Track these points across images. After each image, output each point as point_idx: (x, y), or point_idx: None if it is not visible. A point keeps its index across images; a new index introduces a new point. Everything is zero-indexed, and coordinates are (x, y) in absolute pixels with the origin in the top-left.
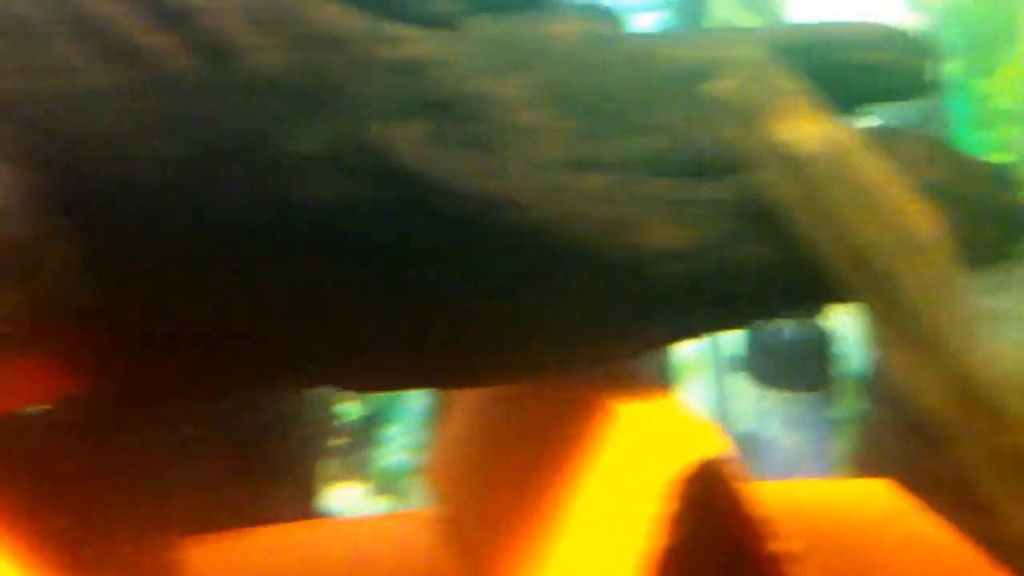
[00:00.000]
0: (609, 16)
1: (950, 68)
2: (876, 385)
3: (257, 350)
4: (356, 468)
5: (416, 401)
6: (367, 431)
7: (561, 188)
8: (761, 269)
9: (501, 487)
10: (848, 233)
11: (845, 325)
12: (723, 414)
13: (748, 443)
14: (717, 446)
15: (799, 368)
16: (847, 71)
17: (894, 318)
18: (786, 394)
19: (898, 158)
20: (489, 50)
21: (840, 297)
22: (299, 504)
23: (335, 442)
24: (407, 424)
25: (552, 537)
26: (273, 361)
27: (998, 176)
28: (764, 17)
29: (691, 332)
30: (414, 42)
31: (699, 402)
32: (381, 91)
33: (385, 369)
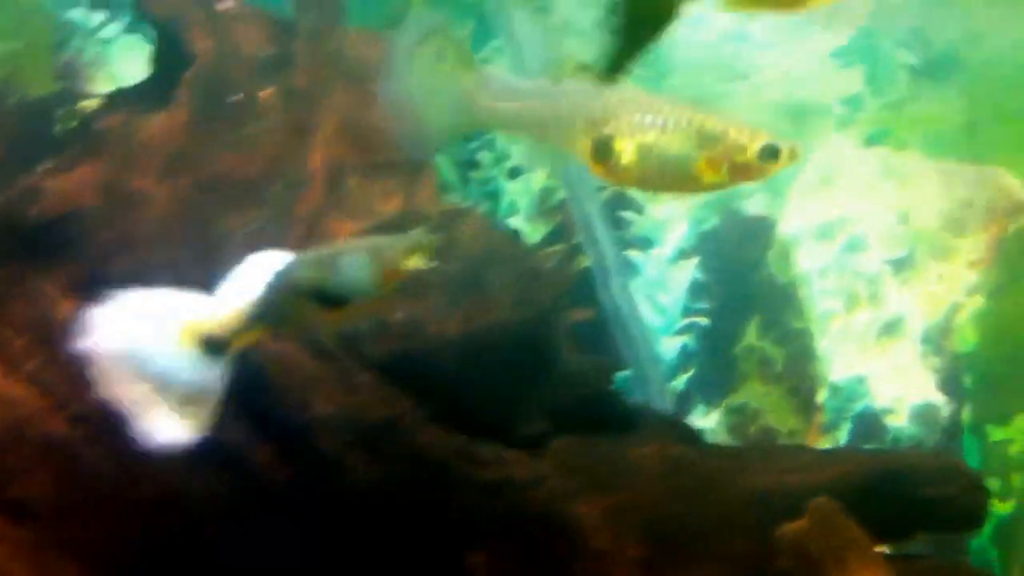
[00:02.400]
0: (690, 434)
1: (967, 412)
2: None
3: None
4: None
5: None
6: None
7: None
8: None
9: None
10: None
11: None
12: None
13: None
14: None
15: None
16: (918, 503)
17: None
18: None
19: None
20: (575, 472)
21: None
22: None
23: None
24: None
25: None
26: None
27: None
28: None
29: None
30: (506, 463)
31: None
32: (473, 510)
33: None
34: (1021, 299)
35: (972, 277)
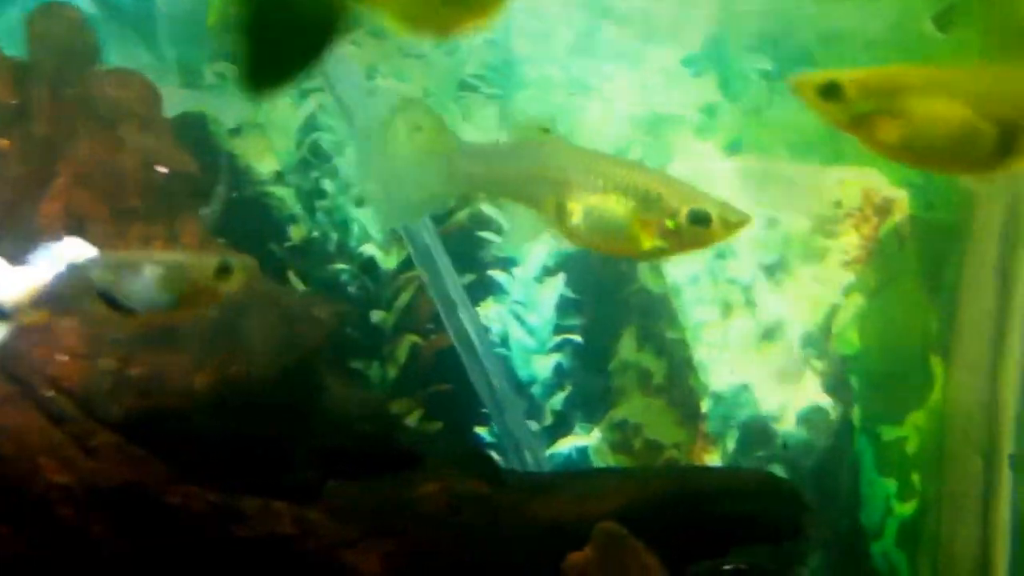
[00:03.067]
0: (488, 467)
1: (856, 413)
2: None
3: None
4: None
5: None
6: None
7: None
8: None
9: None
10: None
11: None
12: None
13: None
14: None
15: None
16: (728, 519)
17: None
18: None
19: None
20: (350, 518)
21: None
22: None
23: None
24: None
25: None
26: None
27: None
28: None
29: None
30: (272, 516)
31: None
32: (236, 569)
33: None
34: (900, 297)
35: (848, 277)
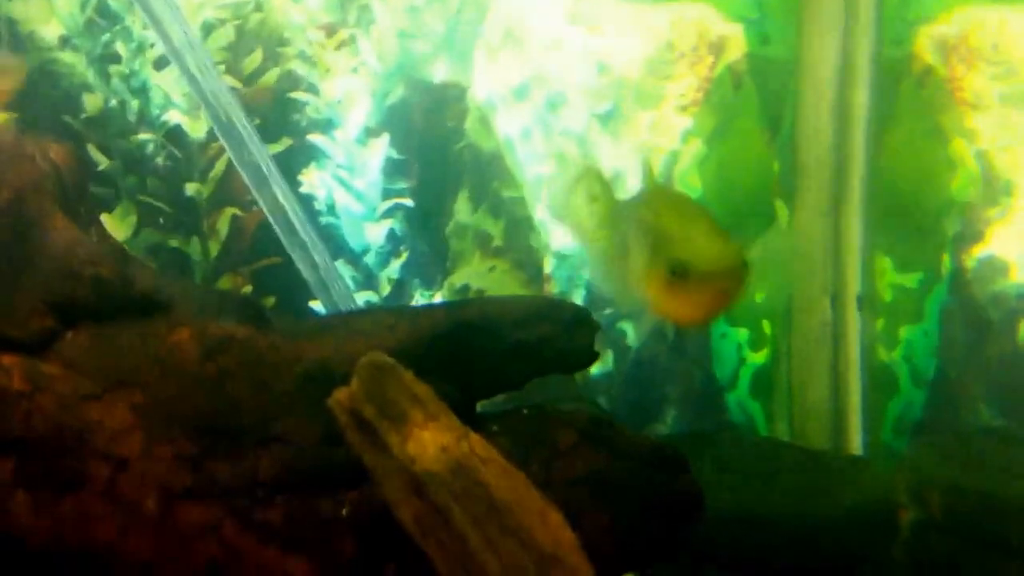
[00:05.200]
0: (247, 307)
1: None
2: None
3: None
4: None
5: None
6: None
7: (154, 528)
8: None
9: None
10: (475, 558)
11: None
12: None
13: None
14: None
15: None
16: (512, 349)
17: None
18: None
19: (547, 447)
20: (92, 371)
21: None
22: None
23: None
24: None
25: None
26: None
27: (661, 455)
28: None
29: None
30: None
31: None
32: None
33: None
34: (739, 140)
35: (685, 122)
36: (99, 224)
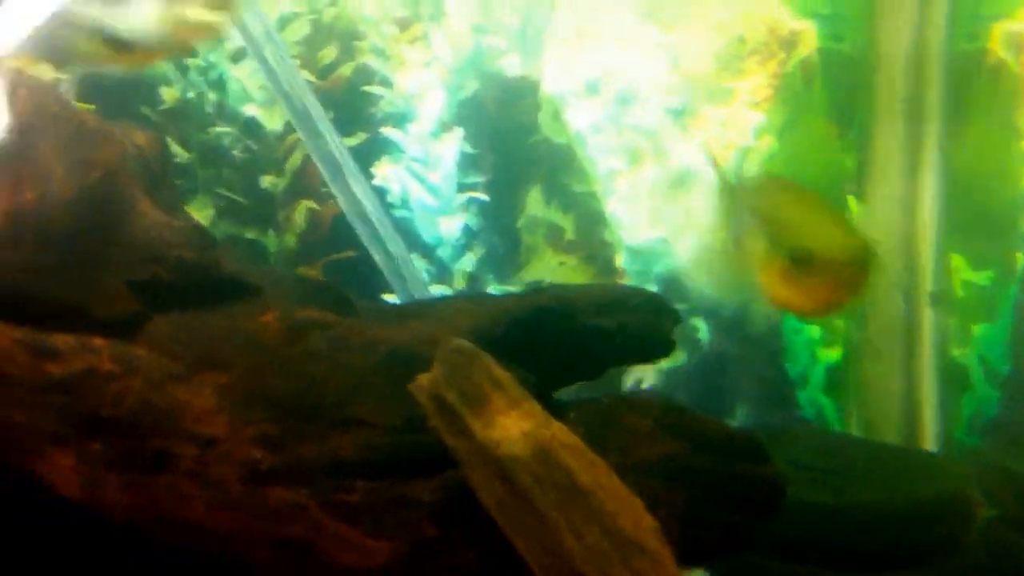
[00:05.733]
0: (333, 295)
1: None
2: None
3: None
4: None
5: None
6: None
7: (240, 506)
8: None
9: None
10: (558, 542)
11: None
12: None
13: None
14: None
15: None
16: (591, 336)
17: None
18: None
19: (625, 434)
20: (178, 353)
21: None
22: None
23: None
24: None
25: None
26: None
27: (740, 445)
28: None
29: None
30: (89, 352)
31: None
32: (48, 410)
33: None
34: (811, 135)
35: (756, 118)
36: (182, 209)
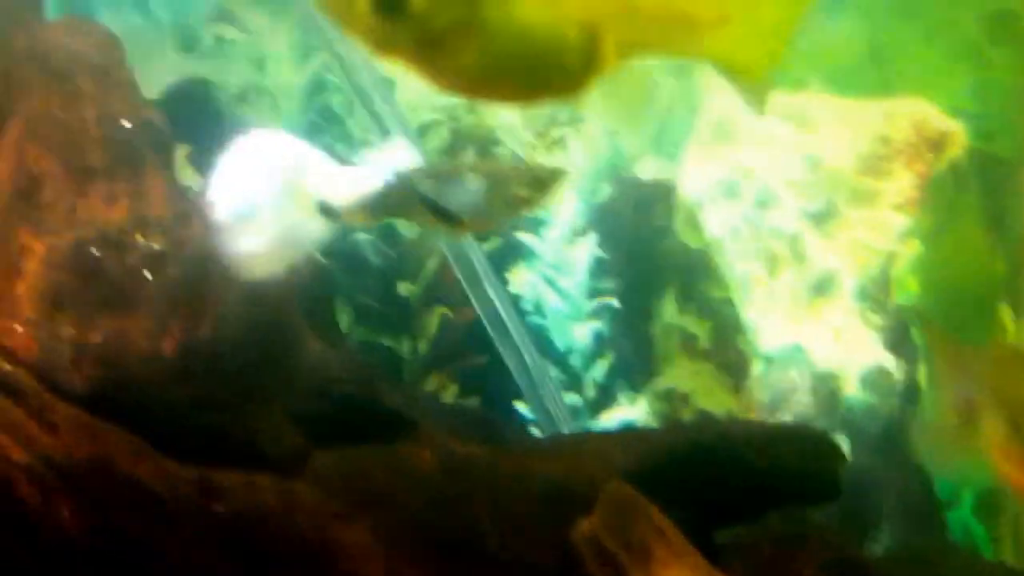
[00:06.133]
0: (488, 426)
1: (922, 372)
2: None
3: None
4: None
5: None
6: None
7: None
8: None
9: None
10: None
11: None
12: None
13: None
14: None
15: None
16: (753, 476)
17: None
18: None
19: None
20: (339, 490)
21: None
22: None
23: None
24: None
25: None
26: None
27: None
28: None
29: None
30: (253, 491)
31: None
32: (214, 549)
33: None
34: (961, 240)
35: (902, 222)
36: (342, 335)
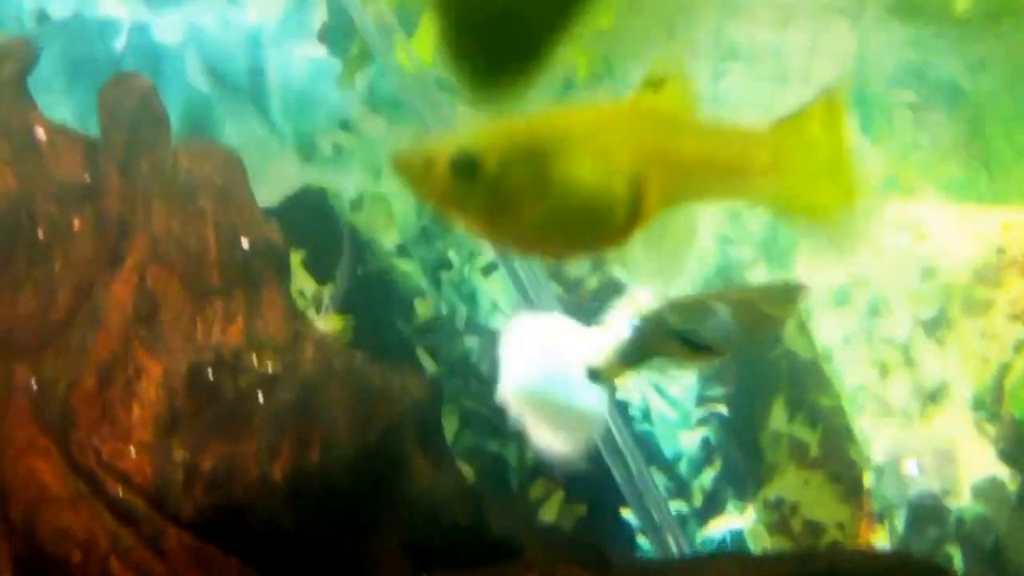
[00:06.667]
0: (590, 551)
1: None
2: None
3: None
4: None
5: None
6: None
7: None
8: None
9: None
10: None
11: None
12: None
13: None
14: None
15: None
16: None
17: None
18: None
19: None
20: None
21: None
22: None
23: None
24: None
25: None
26: None
27: None
28: None
29: None
30: None
31: None
32: None
33: None
34: None
35: (1018, 331)
36: (451, 459)
